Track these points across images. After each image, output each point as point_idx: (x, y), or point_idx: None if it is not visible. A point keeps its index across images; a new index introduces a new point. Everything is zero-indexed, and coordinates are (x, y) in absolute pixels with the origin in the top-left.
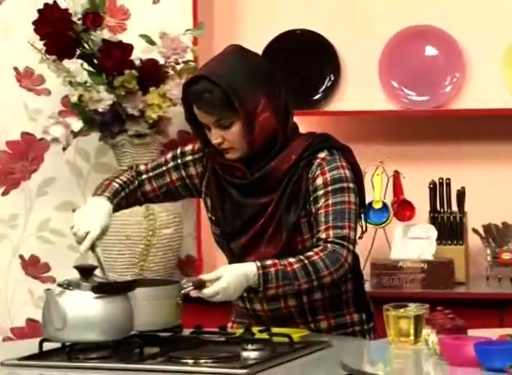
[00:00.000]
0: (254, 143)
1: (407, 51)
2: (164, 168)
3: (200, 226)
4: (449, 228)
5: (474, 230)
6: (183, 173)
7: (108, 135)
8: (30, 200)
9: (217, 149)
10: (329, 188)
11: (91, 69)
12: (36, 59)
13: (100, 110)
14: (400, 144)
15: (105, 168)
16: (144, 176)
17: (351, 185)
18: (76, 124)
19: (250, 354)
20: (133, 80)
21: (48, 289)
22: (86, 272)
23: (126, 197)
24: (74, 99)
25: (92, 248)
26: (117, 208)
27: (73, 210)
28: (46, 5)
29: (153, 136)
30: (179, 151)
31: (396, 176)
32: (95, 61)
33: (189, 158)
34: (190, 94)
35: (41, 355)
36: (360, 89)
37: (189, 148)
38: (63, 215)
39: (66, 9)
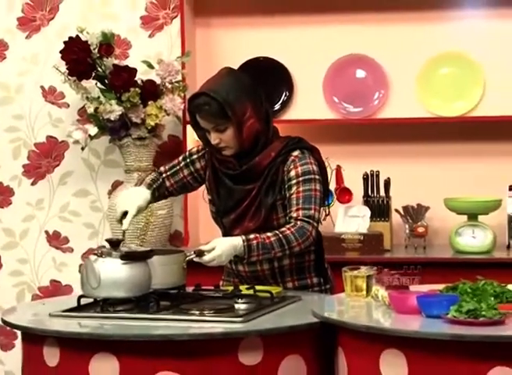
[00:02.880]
0: (243, 143)
1: (345, 74)
2: (177, 167)
3: (187, 208)
4: (378, 208)
5: (396, 210)
6: (192, 169)
7: (117, 138)
8: (53, 188)
9: (215, 148)
10: (300, 179)
11: (103, 87)
12: (58, 79)
13: (112, 119)
14: (340, 145)
15: (112, 163)
16: (164, 175)
17: (317, 177)
18: (93, 130)
19: (241, 306)
20: (137, 95)
21: (87, 257)
22: (114, 244)
23: (156, 189)
24: (90, 110)
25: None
26: (153, 195)
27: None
28: (70, 37)
29: (151, 139)
30: (187, 153)
31: (338, 169)
32: (106, 81)
33: (194, 156)
34: (193, 106)
35: (79, 308)
36: (309, 103)
37: (194, 149)
38: (79, 200)
39: (86, 41)
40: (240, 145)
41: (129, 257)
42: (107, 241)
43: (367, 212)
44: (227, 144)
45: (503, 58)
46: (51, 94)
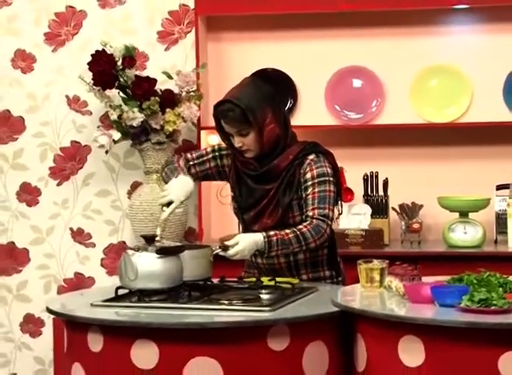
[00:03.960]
0: (263, 146)
1: (345, 84)
2: (205, 158)
3: (201, 207)
4: (378, 207)
5: (393, 208)
6: (219, 163)
7: (137, 143)
8: (77, 189)
9: (238, 150)
10: (315, 180)
11: (124, 96)
12: (81, 89)
13: (134, 125)
14: (342, 149)
15: (131, 166)
16: (191, 163)
17: (331, 179)
18: (116, 135)
19: (266, 296)
20: (156, 104)
21: (125, 252)
22: (149, 239)
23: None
24: (114, 117)
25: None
26: None
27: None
28: (97, 51)
29: (168, 143)
30: (216, 146)
31: (341, 170)
32: (128, 90)
33: (224, 152)
34: (218, 112)
35: (117, 298)
36: (312, 110)
37: (224, 145)
38: (101, 199)
39: (111, 54)
40: (261, 148)
41: (164, 251)
42: (142, 236)
43: (368, 210)
44: (249, 148)
45: (488, 70)
46: (75, 103)
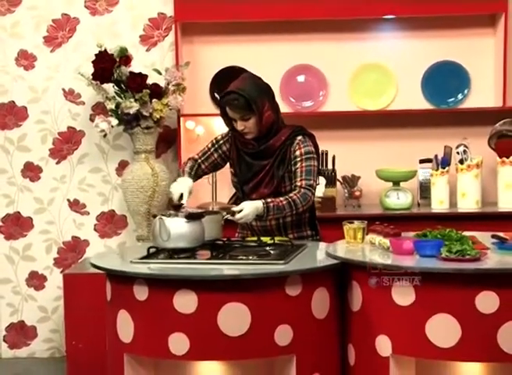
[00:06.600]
0: (261, 129)
1: (296, 78)
2: (208, 152)
3: None
4: (329, 178)
5: (338, 180)
6: (220, 152)
7: (129, 127)
8: (73, 167)
9: (239, 133)
10: (303, 157)
11: (117, 89)
12: (75, 83)
13: (131, 113)
14: None
15: (119, 147)
16: (199, 161)
17: (315, 156)
18: (114, 121)
19: (273, 252)
20: (147, 95)
21: (159, 217)
22: (176, 207)
23: (194, 174)
24: (110, 107)
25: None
26: (193, 179)
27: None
28: (100, 51)
29: (155, 128)
30: (214, 140)
31: None
32: (122, 84)
33: (221, 142)
34: (224, 101)
35: (150, 256)
36: None
37: (220, 136)
38: (93, 175)
39: (112, 54)
40: (259, 131)
41: (191, 216)
42: (171, 205)
43: (323, 181)
44: (249, 130)
45: (409, 68)
46: (70, 95)
